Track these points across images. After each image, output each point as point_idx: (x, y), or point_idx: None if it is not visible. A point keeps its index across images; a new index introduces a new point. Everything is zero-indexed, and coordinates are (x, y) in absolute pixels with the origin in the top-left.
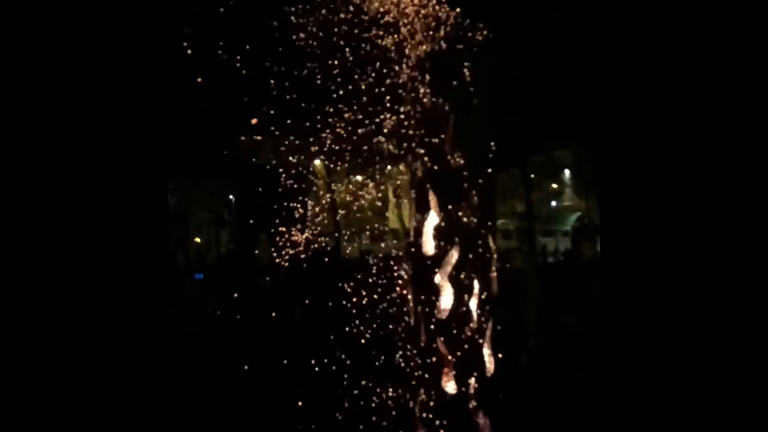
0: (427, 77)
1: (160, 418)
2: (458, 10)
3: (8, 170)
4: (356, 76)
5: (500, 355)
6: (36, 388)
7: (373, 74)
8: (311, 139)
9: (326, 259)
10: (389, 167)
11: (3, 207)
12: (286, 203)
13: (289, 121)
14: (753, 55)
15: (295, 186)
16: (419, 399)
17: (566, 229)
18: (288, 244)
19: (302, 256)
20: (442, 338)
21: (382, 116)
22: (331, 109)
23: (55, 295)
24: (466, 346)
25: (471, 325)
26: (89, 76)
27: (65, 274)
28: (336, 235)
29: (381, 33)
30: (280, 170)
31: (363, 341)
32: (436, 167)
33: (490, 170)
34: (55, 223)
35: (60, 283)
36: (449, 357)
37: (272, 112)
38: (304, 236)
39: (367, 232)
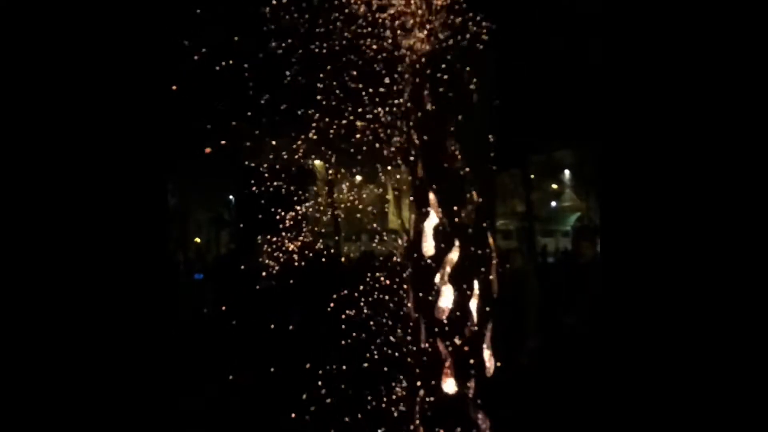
0: (427, 76)
1: (160, 418)
2: (458, 8)
3: (8, 171)
4: (356, 75)
5: (500, 356)
6: (36, 389)
7: (373, 73)
8: (310, 140)
9: (324, 260)
10: (389, 167)
11: (3, 207)
12: (285, 203)
13: (288, 121)
14: (753, 55)
15: (295, 186)
16: (419, 399)
17: (566, 229)
18: (288, 244)
19: (302, 256)
20: (442, 338)
21: (381, 116)
22: (331, 109)
23: (55, 295)
24: (466, 346)
25: (471, 325)
26: (89, 76)
27: (65, 274)
28: (336, 237)
29: (380, 31)
30: (280, 170)
31: (362, 342)
32: (436, 167)
33: (490, 170)
34: (56, 224)
35: (60, 283)
36: (449, 357)
37: (271, 112)
38: (303, 237)
39: (373, 239)
